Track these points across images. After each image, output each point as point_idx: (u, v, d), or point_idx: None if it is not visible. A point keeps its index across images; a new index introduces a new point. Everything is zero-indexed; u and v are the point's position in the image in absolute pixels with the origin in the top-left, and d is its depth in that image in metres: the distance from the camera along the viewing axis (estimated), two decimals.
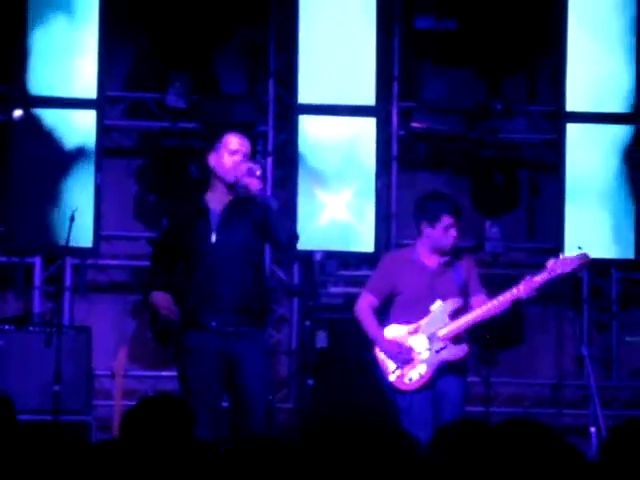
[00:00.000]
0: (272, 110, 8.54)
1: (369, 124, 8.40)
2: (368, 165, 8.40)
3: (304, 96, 8.35)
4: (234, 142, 5.42)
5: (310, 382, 7.38)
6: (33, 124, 8.12)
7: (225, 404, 5.41)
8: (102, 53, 8.16)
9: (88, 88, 8.17)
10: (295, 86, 8.35)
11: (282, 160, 8.50)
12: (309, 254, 8.18)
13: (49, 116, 8.16)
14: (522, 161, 8.77)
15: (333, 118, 8.37)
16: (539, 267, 8.81)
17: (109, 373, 7.85)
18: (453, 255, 5.93)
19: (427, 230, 5.87)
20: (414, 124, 8.58)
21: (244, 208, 5.37)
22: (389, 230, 8.53)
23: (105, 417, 7.76)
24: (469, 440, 2.85)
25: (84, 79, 8.16)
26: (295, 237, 5.46)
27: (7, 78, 8.23)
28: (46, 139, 8.14)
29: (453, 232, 5.86)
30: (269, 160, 8.49)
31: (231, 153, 5.39)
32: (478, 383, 8.32)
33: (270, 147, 8.52)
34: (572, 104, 8.47)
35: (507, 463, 2.80)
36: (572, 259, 5.91)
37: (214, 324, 5.23)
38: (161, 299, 5.25)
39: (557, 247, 8.43)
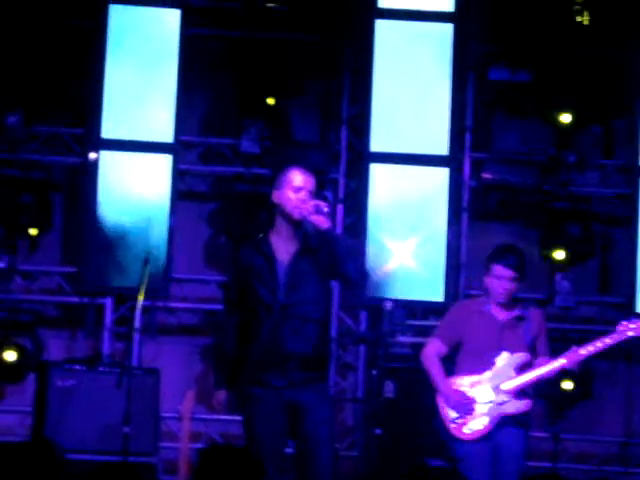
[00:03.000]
0: (344, 158, 8.59)
1: (441, 174, 8.41)
2: (438, 214, 8.39)
3: (376, 145, 8.39)
4: (298, 178, 5.24)
5: (377, 431, 7.34)
6: (107, 167, 8.25)
7: (289, 450, 5.40)
8: (180, 98, 8.27)
9: (163, 132, 8.28)
10: (367, 134, 8.40)
11: (352, 207, 8.53)
12: (377, 302, 8.18)
13: (123, 159, 8.28)
14: (594, 214, 8.70)
15: (405, 167, 8.40)
16: (611, 322, 8.73)
17: (175, 415, 7.89)
18: (523, 309, 5.90)
19: (485, 278, 5.90)
20: (486, 175, 8.57)
21: (311, 256, 5.22)
22: (458, 280, 8.50)
23: (171, 459, 7.78)
24: None
25: (159, 123, 8.28)
26: (366, 274, 5.34)
27: (83, 121, 8.39)
28: (121, 181, 8.27)
29: (504, 283, 5.82)
30: (340, 207, 8.53)
31: (296, 190, 5.21)
32: (546, 439, 8.23)
33: (341, 194, 8.56)
34: None
35: None
36: None
37: (278, 384, 5.16)
38: (217, 398, 5.27)
39: (629, 302, 8.34)
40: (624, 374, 8.60)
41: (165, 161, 8.29)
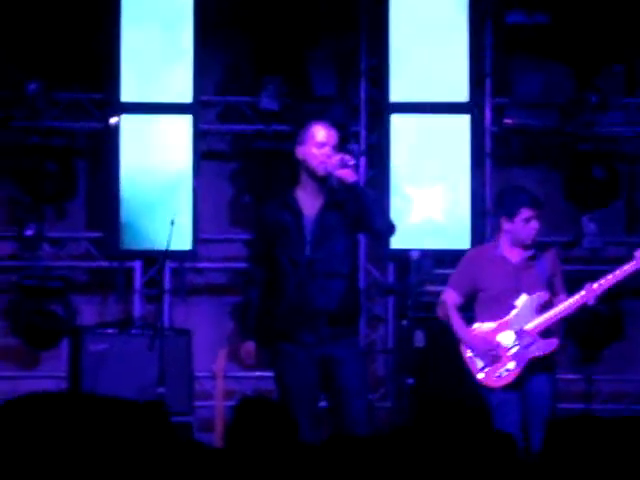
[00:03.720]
0: (364, 110, 8.56)
1: (462, 121, 8.37)
2: (460, 162, 8.37)
3: (396, 95, 8.36)
4: (321, 134, 5.23)
5: (409, 381, 7.38)
6: (128, 130, 8.26)
7: (323, 404, 5.43)
8: (197, 58, 8.26)
9: (180, 93, 8.28)
10: (387, 85, 8.36)
11: (374, 160, 8.52)
12: (403, 253, 8.18)
13: (143, 122, 8.29)
14: (619, 154, 8.64)
15: (425, 116, 8.36)
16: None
17: (209, 374, 7.95)
18: (537, 249, 5.89)
19: (507, 225, 5.85)
20: (507, 120, 8.52)
21: (338, 210, 5.22)
22: (484, 227, 8.48)
23: (206, 418, 7.86)
24: (586, 436, 2.84)
25: (177, 84, 8.27)
26: (392, 226, 5.34)
27: (102, 85, 8.39)
28: (142, 144, 8.28)
29: (534, 224, 5.80)
30: (362, 160, 8.52)
31: (319, 146, 5.20)
32: (579, 380, 8.24)
33: (363, 147, 8.54)
34: None
35: (612, 460, 2.79)
36: None
37: (308, 340, 5.19)
38: (245, 349, 5.31)
39: None
40: None
41: (185, 122, 8.29)
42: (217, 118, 8.63)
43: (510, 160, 8.69)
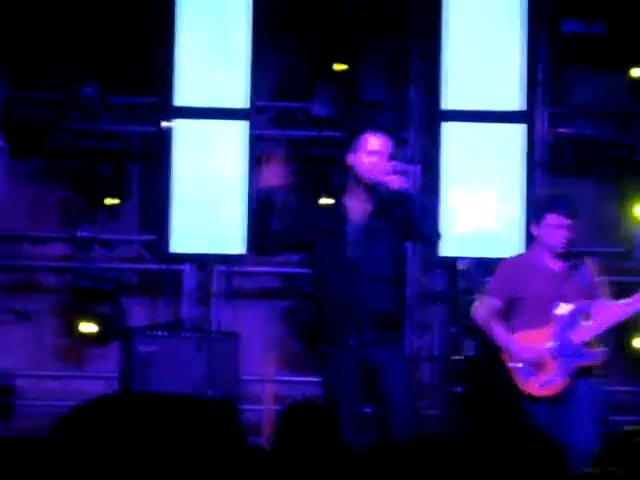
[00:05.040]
0: (415, 117, 8.55)
1: (515, 130, 8.34)
2: (512, 170, 8.33)
3: (448, 102, 8.34)
4: (374, 142, 5.29)
5: (458, 389, 7.36)
6: (182, 134, 8.33)
7: (368, 410, 5.43)
8: (252, 63, 8.30)
9: (234, 98, 8.33)
10: (438, 92, 8.35)
11: (426, 167, 8.51)
12: (453, 261, 8.17)
13: (198, 126, 8.35)
14: None
15: (477, 124, 8.34)
16: None
17: (257, 378, 7.99)
18: (574, 258, 5.81)
19: (535, 230, 5.80)
20: (561, 129, 8.47)
21: (385, 216, 5.26)
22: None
23: (253, 422, 7.89)
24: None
25: (231, 89, 8.33)
26: (438, 234, 5.36)
27: (156, 89, 8.47)
28: (196, 148, 8.34)
29: (562, 232, 5.70)
30: (413, 167, 8.51)
31: (370, 154, 5.26)
32: (630, 393, 8.16)
33: (414, 154, 8.53)
34: None
35: None
36: None
37: (352, 342, 5.20)
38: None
39: None
40: None
41: (238, 126, 8.33)
42: (270, 123, 8.67)
43: (564, 170, 8.64)
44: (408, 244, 7.95)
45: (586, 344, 5.72)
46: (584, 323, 5.71)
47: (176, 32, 8.27)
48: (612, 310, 5.72)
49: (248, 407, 8.02)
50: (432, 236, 5.33)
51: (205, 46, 8.32)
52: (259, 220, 5.36)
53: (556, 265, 5.78)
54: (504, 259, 6.28)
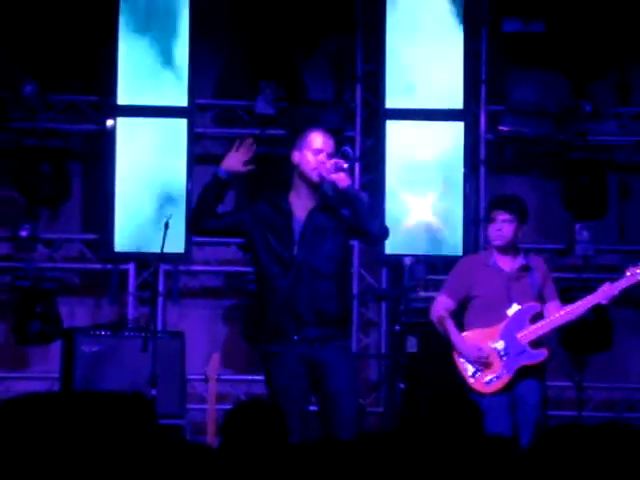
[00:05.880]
0: (359, 115, 8.59)
1: (456, 128, 8.41)
2: (455, 169, 8.40)
3: (391, 101, 8.39)
4: (318, 140, 5.27)
5: (401, 386, 7.40)
6: (124, 133, 8.28)
7: (313, 408, 5.45)
8: (193, 61, 8.29)
9: (178, 97, 8.30)
10: (382, 91, 8.39)
11: (369, 165, 8.55)
12: (397, 258, 8.22)
13: (140, 125, 8.32)
14: (612, 163, 8.68)
15: (420, 122, 8.40)
16: None
17: (202, 377, 7.98)
18: (527, 259, 5.96)
19: (486, 230, 6.03)
20: (502, 127, 8.55)
21: (329, 213, 5.26)
22: (477, 233, 8.52)
23: (198, 421, 7.87)
24: (571, 443, 2.87)
25: (174, 88, 8.30)
26: (386, 230, 5.36)
27: (98, 88, 8.42)
28: (139, 148, 8.30)
29: (498, 226, 5.90)
30: (357, 165, 8.55)
31: (315, 152, 5.24)
32: (571, 388, 8.28)
33: (358, 152, 8.57)
34: None
35: (599, 467, 2.81)
36: None
37: (296, 338, 5.19)
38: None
39: None
40: None
41: (179, 125, 8.31)
42: (213, 122, 8.66)
43: (504, 168, 8.72)
44: (354, 242, 8.02)
45: (531, 344, 5.84)
46: (532, 324, 5.84)
47: (118, 31, 8.23)
48: (560, 312, 5.86)
49: (194, 406, 8.00)
50: (379, 234, 5.34)
51: (147, 45, 8.28)
52: (205, 196, 5.32)
53: (507, 265, 5.90)
54: (461, 258, 6.42)
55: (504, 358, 5.85)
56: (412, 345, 7.64)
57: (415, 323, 7.72)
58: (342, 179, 5.21)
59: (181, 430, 7.53)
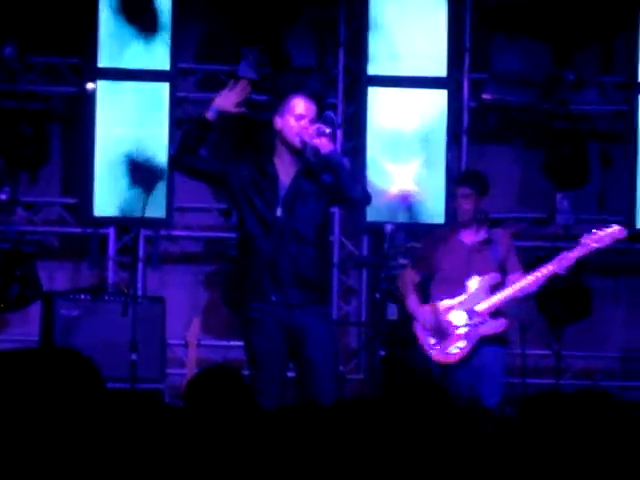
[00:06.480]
0: (342, 82, 8.55)
1: (440, 96, 8.38)
2: (438, 137, 8.38)
3: (374, 68, 8.36)
4: (300, 106, 5.27)
5: (381, 353, 7.42)
6: (106, 96, 8.23)
7: (292, 374, 5.46)
8: (175, 25, 8.23)
9: (160, 61, 8.25)
10: (365, 58, 8.35)
11: (352, 132, 8.52)
12: (378, 226, 8.21)
13: (122, 88, 8.26)
14: (594, 133, 8.68)
15: (403, 90, 8.37)
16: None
17: (182, 342, 7.98)
18: (489, 228, 6.03)
19: (452, 204, 6.15)
20: (485, 96, 8.53)
21: (311, 179, 5.25)
22: None
23: (178, 385, 7.88)
24: (550, 411, 2.89)
25: (156, 52, 8.24)
26: (368, 195, 5.36)
27: (80, 51, 8.34)
28: (119, 111, 8.25)
29: (459, 201, 6.07)
30: (339, 132, 8.52)
31: (297, 118, 5.24)
32: (549, 356, 8.32)
33: (340, 119, 8.54)
34: None
35: (578, 434, 2.83)
36: (606, 234, 5.95)
37: (274, 298, 5.20)
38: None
39: (628, 220, 8.37)
40: (626, 290, 8.66)
41: (162, 89, 8.26)
42: (196, 86, 8.60)
43: (487, 136, 8.72)
44: (335, 209, 8.00)
45: (491, 314, 5.92)
46: (491, 295, 5.92)
47: None
48: (520, 282, 5.92)
49: (174, 371, 8.01)
50: (361, 200, 5.35)
51: (129, 8, 8.21)
52: (189, 134, 5.32)
53: (470, 239, 6.00)
54: (428, 233, 6.53)
55: (464, 329, 5.94)
56: (392, 312, 7.66)
57: (395, 290, 7.74)
58: (324, 144, 5.21)
59: (161, 394, 7.54)
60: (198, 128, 5.30)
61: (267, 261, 5.21)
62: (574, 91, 8.48)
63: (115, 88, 8.25)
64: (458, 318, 5.96)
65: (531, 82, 8.52)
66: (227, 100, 5.32)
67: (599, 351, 8.61)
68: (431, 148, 8.38)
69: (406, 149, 8.36)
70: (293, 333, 5.26)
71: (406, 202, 8.27)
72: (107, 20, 8.19)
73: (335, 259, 8.38)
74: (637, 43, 8.36)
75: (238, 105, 5.34)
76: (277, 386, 5.18)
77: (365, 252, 8.55)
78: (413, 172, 8.37)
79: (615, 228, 6.01)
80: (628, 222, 8.37)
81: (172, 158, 5.48)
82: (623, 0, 8.42)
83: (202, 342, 8.08)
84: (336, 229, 8.41)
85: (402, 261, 8.32)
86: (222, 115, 5.32)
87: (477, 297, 5.95)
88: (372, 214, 8.13)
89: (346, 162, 5.36)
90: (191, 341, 7.40)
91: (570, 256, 5.90)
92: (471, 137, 8.62)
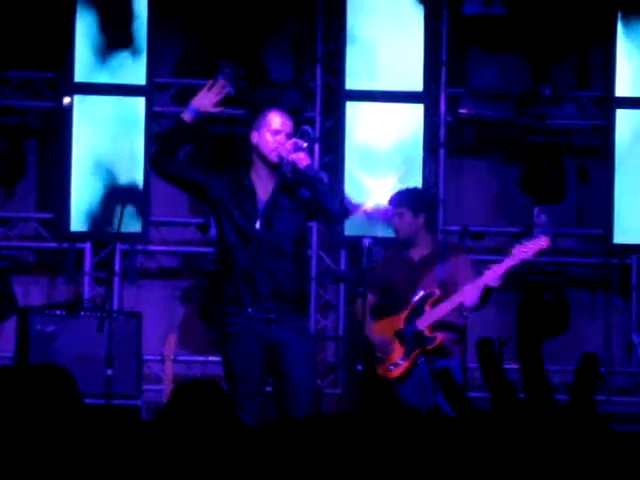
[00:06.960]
0: (319, 96, 8.56)
1: (416, 110, 8.39)
2: (415, 151, 8.39)
3: (351, 82, 8.36)
4: (277, 121, 5.26)
5: (359, 368, 7.40)
6: (82, 111, 8.20)
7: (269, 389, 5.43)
8: (151, 40, 8.21)
9: (136, 75, 8.23)
10: (342, 72, 8.36)
11: (329, 146, 8.52)
12: (356, 240, 8.19)
13: (98, 103, 8.23)
14: (571, 147, 8.72)
15: (380, 104, 8.38)
16: (588, 254, 8.79)
17: (158, 358, 7.93)
18: (443, 251, 6.07)
19: None
20: (462, 110, 8.55)
21: (288, 194, 5.24)
22: (436, 216, 8.52)
23: (155, 401, 7.83)
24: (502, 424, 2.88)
25: (132, 66, 8.22)
26: (346, 210, 5.35)
27: (56, 66, 8.32)
28: (95, 126, 8.22)
29: (396, 222, 6.22)
30: (316, 146, 8.51)
31: (274, 133, 5.23)
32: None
33: (317, 133, 8.54)
34: (622, 90, 8.40)
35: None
36: (532, 245, 5.95)
37: (251, 310, 5.18)
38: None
39: (606, 233, 8.40)
40: (603, 304, 8.68)
41: (138, 104, 8.24)
42: (172, 101, 8.58)
43: (464, 150, 8.74)
44: (312, 223, 7.99)
45: (430, 328, 5.94)
46: (430, 309, 5.95)
47: (76, 7, 8.13)
48: (456, 295, 5.94)
49: (150, 387, 7.96)
50: (339, 214, 5.34)
51: (106, 22, 8.19)
52: (166, 137, 5.30)
53: (417, 255, 6.04)
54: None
55: (403, 345, 5.98)
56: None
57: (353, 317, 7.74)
58: (302, 159, 5.19)
59: (137, 410, 7.49)
60: (176, 130, 5.27)
61: (245, 273, 5.20)
62: (551, 105, 8.52)
63: (91, 103, 8.22)
64: (399, 334, 6.01)
65: (508, 96, 8.55)
66: (205, 100, 5.30)
67: (576, 365, 8.61)
68: (408, 162, 8.38)
69: (383, 163, 8.36)
70: (271, 348, 5.23)
71: (383, 216, 8.28)
72: (83, 35, 8.16)
73: (313, 273, 8.37)
74: (614, 58, 8.40)
75: (216, 105, 5.32)
76: (256, 400, 5.15)
77: (343, 266, 8.54)
78: (390, 186, 8.37)
79: (540, 239, 6.01)
80: (605, 236, 8.41)
81: (151, 160, 5.43)
82: (600, 15, 8.46)
83: (179, 358, 8.05)
84: (314, 243, 8.40)
85: None
86: (200, 116, 5.29)
87: (418, 312, 6.00)
88: (350, 228, 8.12)
89: (324, 176, 5.34)
90: (168, 357, 7.36)
91: (501, 267, 5.91)
92: (448, 151, 8.63)
